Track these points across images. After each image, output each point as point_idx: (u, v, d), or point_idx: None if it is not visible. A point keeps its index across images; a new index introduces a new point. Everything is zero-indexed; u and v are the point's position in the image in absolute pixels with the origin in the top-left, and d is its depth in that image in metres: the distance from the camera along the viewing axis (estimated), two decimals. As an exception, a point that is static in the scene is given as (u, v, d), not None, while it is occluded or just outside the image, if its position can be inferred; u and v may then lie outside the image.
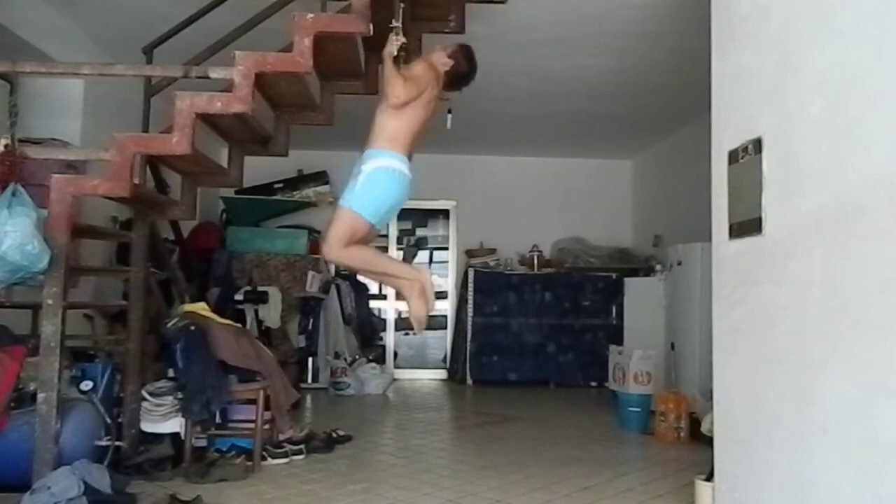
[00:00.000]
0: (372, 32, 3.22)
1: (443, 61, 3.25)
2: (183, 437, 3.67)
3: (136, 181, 3.35)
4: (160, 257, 5.16)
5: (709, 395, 3.38)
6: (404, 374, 8.34)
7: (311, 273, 6.77)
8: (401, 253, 8.74)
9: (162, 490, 3.27)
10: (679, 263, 5.47)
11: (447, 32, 4.03)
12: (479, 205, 8.30)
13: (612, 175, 8.49)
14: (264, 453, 3.87)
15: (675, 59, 5.09)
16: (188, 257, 6.33)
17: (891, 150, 2.00)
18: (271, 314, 6.26)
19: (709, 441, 3.27)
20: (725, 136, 2.92)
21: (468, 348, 7.75)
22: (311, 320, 6.95)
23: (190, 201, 3.96)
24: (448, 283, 8.56)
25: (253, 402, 3.89)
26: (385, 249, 8.04)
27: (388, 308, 8.60)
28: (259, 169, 6.09)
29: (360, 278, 7.55)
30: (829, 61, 2.29)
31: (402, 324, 8.34)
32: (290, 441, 4.10)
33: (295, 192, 7.62)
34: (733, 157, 2.84)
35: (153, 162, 3.90)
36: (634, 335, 5.99)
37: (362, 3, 3.19)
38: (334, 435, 4.46)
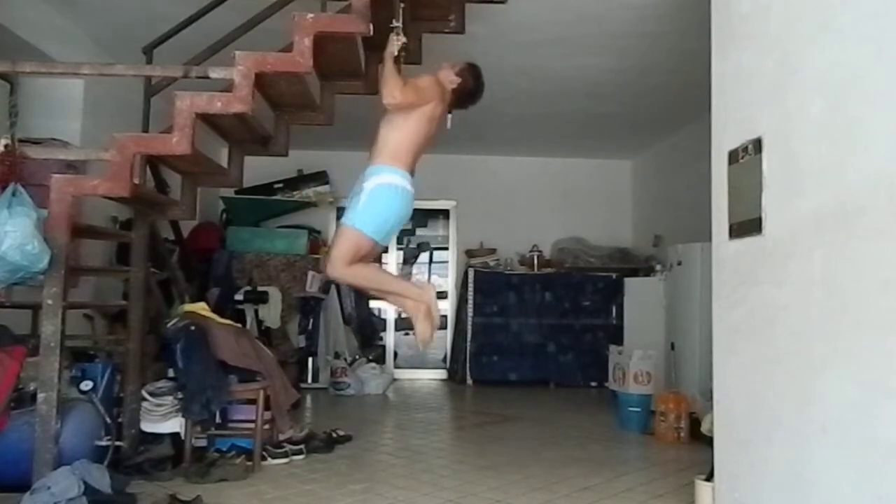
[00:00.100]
0: (372, 32, 3.22)
1: (450, 79, 3.25)
2: (183, 437, 3.67)
3: (136, 181, 3.35)
4: (160, 257, 5.16)
5: (709, 395, 3.38)
6: (404, 374, 8.33)
7: (311, 273, 6.78)
8: (401, 253, 8.72)
9: (162, 490, 3.27)
10: (679, 263, 5.47)
11: (447, 32, 4.04)
12: (479, 205, 8.29)
13: (612, 175, 8.48)
14: (264, 453, 3.87)
15: (675, 59, 5.09)
16: (188, 257, 6.33)
17: (891, 150, 1.99)
18: (271, 314, 6.27)
19: (709, 441, 3.27)
20: (725, 136, 2.92)
21: (468, 348, 7.73)
22: (311, 320, 6.95)
23: (190, 201, 3.96)
24: (448, 283, 8.57)
25: (253, 402, 3.89)
26: (385, 250, 8.03)
27: (388, 308, 8.59)
28: (259, 169, 6.10)
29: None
30: (829, 61, 2.29)
31: (402, 324, 8.32)
32: (290, 441, 4.10)
33: (295, 192, 7.61)
34: (733, 157, 2.84)
35: (153, 162, 3.90)
36: (634, 335, 5.99)
37: (362, 3, 3.19)
38: (334, 435, 4.46)
